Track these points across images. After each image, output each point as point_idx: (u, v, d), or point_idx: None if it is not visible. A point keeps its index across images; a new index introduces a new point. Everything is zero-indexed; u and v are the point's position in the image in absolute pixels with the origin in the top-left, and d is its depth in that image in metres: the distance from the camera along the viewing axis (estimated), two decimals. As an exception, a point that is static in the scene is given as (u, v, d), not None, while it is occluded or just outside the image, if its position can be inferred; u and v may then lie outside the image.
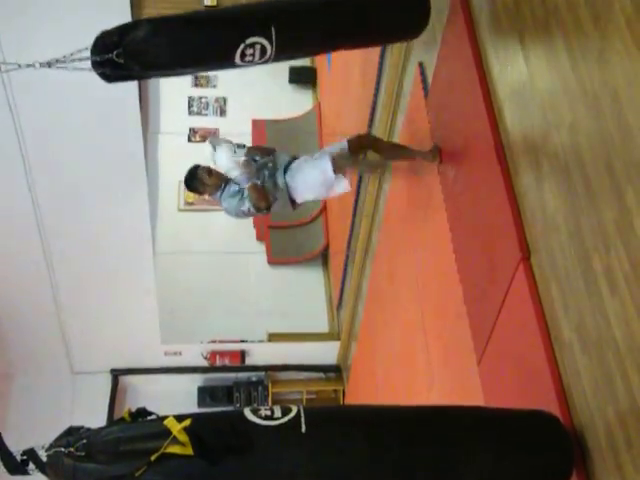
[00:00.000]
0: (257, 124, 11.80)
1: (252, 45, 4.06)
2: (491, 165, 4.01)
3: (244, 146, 5.09)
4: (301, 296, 10.67)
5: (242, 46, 4.04)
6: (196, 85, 12.29)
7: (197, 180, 5.15)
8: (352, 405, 7.79)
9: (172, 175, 11.50)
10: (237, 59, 4.10)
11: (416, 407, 3.52)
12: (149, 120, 11.46)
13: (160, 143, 11.74)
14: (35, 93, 6.47)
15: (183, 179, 5.23)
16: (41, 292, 8.43)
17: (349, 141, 5.21)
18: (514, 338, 3.85)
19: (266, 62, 4.26)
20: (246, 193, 4.99)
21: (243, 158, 5.02)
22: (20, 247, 7.95)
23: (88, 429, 2.80)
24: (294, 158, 5.18)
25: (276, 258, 10.72)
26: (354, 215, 7.96)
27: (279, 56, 4.31)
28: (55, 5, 6.04)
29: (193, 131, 12.09)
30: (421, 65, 5.49)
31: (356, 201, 7.89)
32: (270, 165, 5.12)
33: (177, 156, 11.79)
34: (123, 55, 3.73)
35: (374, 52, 6.59)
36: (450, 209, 4.91)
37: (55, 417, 7.88)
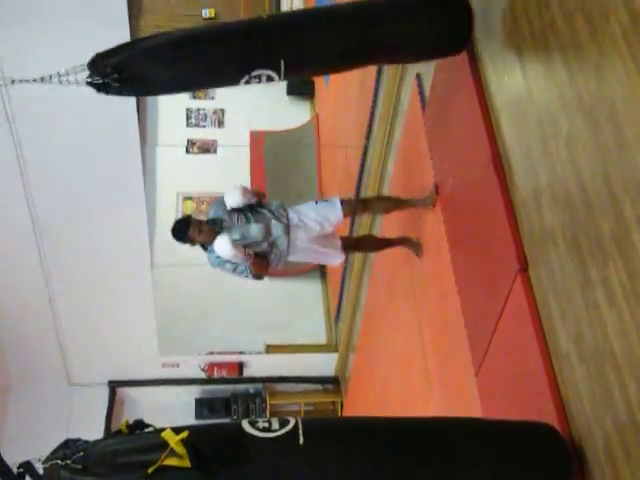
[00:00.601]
0: (255, 136, 11.83)
1: (258, 76, 3.92)
2: (489, 177, 4.02)
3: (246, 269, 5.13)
4: (299, 308, 10.67)
5: (246, 77, 3.91)
6: (194, 97, 12.32)
7: (187, 237, 5.07)
8: (350, 417, 7.77)
9: (170, 187, 11.54)
10: (241, 84, 3.99)
11: (414, 419, 3.51)
12: (147, 132, 11.48)
13: (158, 155, 11.77)
14: (33, 107, 6.49)
15: (171, 229, 5.14)
16: (38, 304, 8.43)
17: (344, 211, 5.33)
18: (512, 350, 3.85)
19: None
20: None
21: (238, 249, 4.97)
22: (18, 260, 7.95)
23: (85, 441, 2.79)
24: (284, 210, 5.23)
25: (272, 270, 10.69)
26: (351, 226, 7.97)
27: (288, 79, 4.24)
28: (54, 15, 6.05)
29: (191, 142, 12.12)
30: (418, 77, 5.51)
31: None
32: (266, 229, 5.14)
33: (175, 168, 11.86)
34: (118, 80, 3.68)
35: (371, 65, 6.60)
36: (448, 221, 4.91)
37: (52, 429, 7.88)
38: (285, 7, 12.75)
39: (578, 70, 3.10)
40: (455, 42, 4.29)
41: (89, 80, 3.65)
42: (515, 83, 3.78)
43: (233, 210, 5.09)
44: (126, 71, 3.67)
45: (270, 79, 3.96)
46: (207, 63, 3.88)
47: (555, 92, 3.31)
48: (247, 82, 3.93)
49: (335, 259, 5.55)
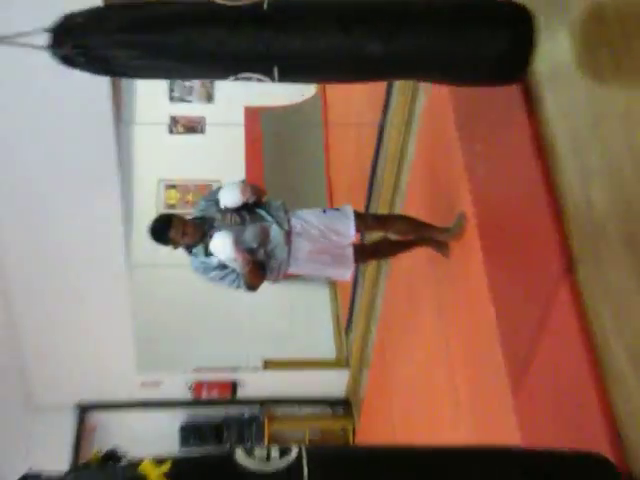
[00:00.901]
0: (250, 113, 11.83)
1: (247, 77, 3.88)
2: (527, 158, 4.00)
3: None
4: (303, 316, 10.68)
5: (232, 77, 3.87)
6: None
7: (168, 239, 5.03)
8: (363, 446, 7.77)
9: (150, 173, 11.54)
10: (228, 80, 3.94)
11: (440, 448, 3.50)
12: (122, 107, 11.47)
13: (135, 135, 11.76)
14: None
15: (149, 228, 5.10)
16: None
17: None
18: (556, 366, 3.84)
19: None
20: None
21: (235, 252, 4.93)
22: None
23: (48, 476, 2.79)
24: (286, 213, 5.23)
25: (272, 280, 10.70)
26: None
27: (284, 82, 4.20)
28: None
29: (175, 120, 12.13)
30: None
31: (367, 204, 7.88)
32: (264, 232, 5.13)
33: (156, 150, 11.85)
34: (84, 56, 3.66)
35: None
36: (478, 211, 4.90)
37: (8, 461, 7.88)
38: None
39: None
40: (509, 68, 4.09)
41: (51, 49, 3.63)
42: (561, 48, 3.76)
43: (227, 208, 5.08)
44: (93, 51, 3.65)
45: (261, 81, 3.91)
46: (188, 56, 3.81)
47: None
48: (235, 80, 3.92)
49: (344, 272, 5.51)
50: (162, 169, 11.73)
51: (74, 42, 3.59)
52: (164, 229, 5.02)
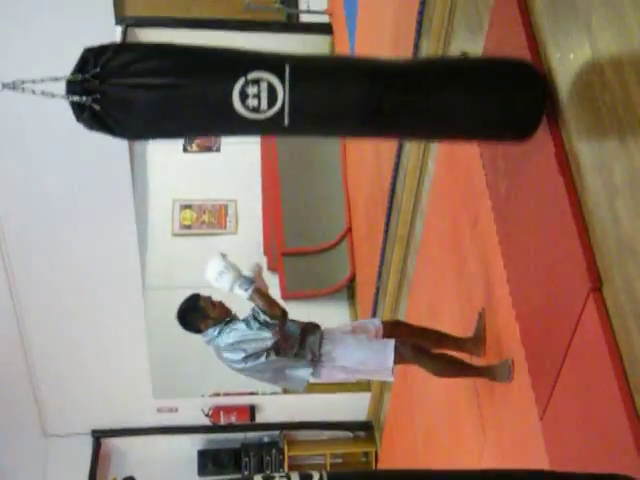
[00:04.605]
0: (266, 130, 11.83)
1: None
2: (552, 175, 3.99)
3: (251, 282, 5.01)
4: (322, 337, 10.65)
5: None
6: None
7: (198, 313, 5.18)
8: (386, 470, 7.74)
9: (165, 193, 11.58)
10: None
11: (465, 472, 3.49)
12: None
13: (150, 155, 11.82)
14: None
15: (177, 313, 5.29)
16: (7, 339, 8.46)
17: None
18: (584, 387, 3.82)
19: None
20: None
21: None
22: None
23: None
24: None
25: (291, 292, 10.71)
26: (385, 238, 7.95)
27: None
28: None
29: (189, 139, 12.15)
30: (464, 56, 5.50)
31: (387, 222, 7.87)
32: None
33: (171, 170, 11.89)
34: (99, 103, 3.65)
35: (407, 41, 6.61)
36: (501, 228, 4.89)
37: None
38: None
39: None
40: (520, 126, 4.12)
41: (70, 97, 3.63)
42: (582, 58, 3.76)
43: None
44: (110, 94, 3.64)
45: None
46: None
47: (629, 60, 3.29)
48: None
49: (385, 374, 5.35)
50: (177, 189, 11.76)
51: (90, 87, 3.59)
52: (194, 301, 5.22)
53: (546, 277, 4.23)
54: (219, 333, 5.17)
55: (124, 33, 11.49)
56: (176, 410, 9.80)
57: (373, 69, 3.89)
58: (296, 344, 5.21)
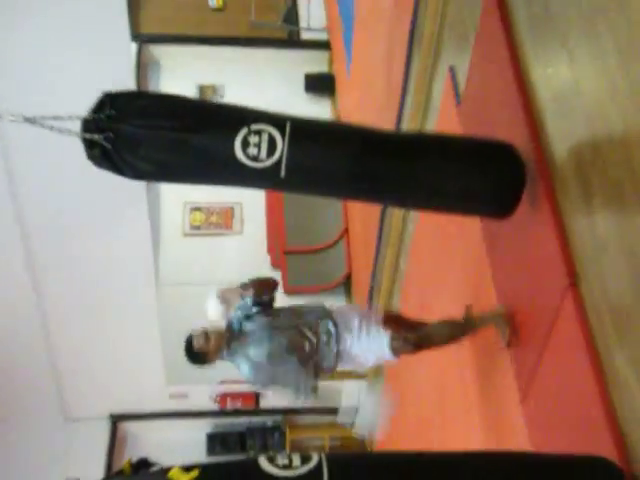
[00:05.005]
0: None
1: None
2: (533, 181, 4.00)
3: (251, 308, 4.88)
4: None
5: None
6: (200, 95, 12.41)
7: (197, 354, 4.96)
8: (381, 452, 7.73)
9: (176, 196, 11.57)
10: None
11: (454, 453, 3.49)
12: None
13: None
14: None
15: (185, 352, 5.04)
16: (30, 329, 8.47)
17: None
18: (562, 374, 3.82)
19: None
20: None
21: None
22: (6, 282, 7.99)
23: (85, 484, 2.80)
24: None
25: (293, 286, 10.74)
26: (379, 242, 7.95)
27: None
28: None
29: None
30: (452, 70, 5.49)
31: (381, 227, 7.86)
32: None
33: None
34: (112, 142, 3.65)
35: (399, 56, 6.61)
36: (487, 232, 4.89)
37: (47, 470, 7.90)
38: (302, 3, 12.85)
39: (630, 53, 3.08)
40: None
41: (83, 135, 3.63)
42: (561, 73, 3.76)
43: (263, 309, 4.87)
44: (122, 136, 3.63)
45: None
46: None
47: (606, 82, 3.29)
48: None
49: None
50: (187, 192, 11.76)
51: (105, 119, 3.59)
52: (188, 344, 4.99)
53: (526, 275, 4.23)
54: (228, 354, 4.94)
55: (139, 49, 11.52)
56: (186, 396, 9.80)
57: (364, 137, 3.92)
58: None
